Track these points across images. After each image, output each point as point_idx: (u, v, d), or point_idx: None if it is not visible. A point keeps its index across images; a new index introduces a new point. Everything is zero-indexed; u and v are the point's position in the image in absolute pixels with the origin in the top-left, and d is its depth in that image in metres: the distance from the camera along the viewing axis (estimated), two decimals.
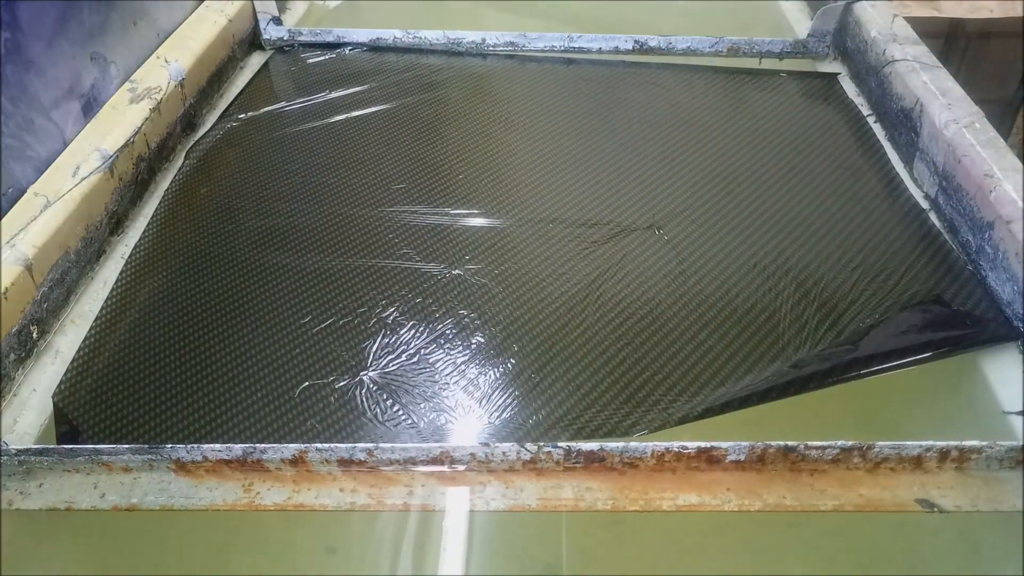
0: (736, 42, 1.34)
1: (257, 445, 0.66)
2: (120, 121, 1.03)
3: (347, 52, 1.38)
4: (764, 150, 1.12)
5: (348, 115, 1.21)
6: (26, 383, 0.80)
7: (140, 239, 0.98)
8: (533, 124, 1.20)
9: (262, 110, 1.23)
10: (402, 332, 0.84)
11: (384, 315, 0.86)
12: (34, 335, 0.83)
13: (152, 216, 1.02)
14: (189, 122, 1.18)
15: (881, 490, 0.65)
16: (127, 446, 0.67)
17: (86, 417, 0.76)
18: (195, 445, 0.66)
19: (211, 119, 1.22)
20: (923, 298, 0.85)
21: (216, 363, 0.81)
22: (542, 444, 0.66)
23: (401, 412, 0.75)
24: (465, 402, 0.77)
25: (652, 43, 1.35)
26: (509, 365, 0.80)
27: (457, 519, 0.67)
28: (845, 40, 1.32)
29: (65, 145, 0.97)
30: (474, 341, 0.83)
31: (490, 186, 1.06)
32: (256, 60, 1.38)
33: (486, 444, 0.66)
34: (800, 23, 1.48)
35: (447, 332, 0.84)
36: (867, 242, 0.94)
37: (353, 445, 0.66)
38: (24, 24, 0.90)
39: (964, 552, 0.68)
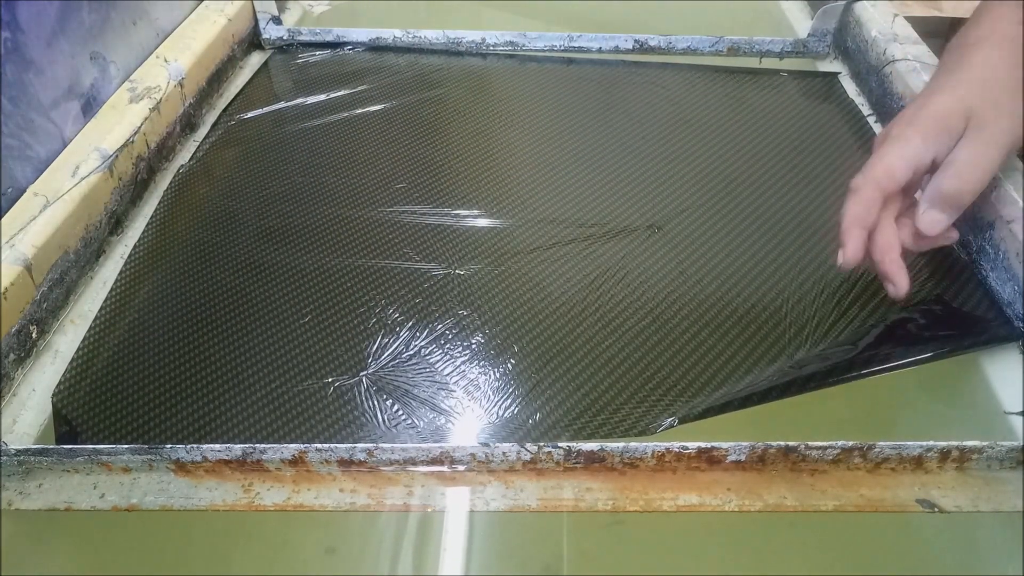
0: (736, 41, 1.34)
1: (257, 445, 0.66)
2: (120, 121, 1.03)
3: (347, 51, 1.38)
4: (764, 149, 1.12)
5: (348, 114, 1.21)
6: (25, 383, 0.80)
7: (139, 239, 0.98)
8: (533, 123, 1.20)
9: (262, 109, 1.22)
10: (402, 332, 0.84)
11: (384, 315, 0.86)
12: (33, 335, 0.83)
13: (151, 216, 1.02)
14: (188, 122, 1.18)
15: (882, 490, 0.65)
16: (126, 446, 0.66)
17: (85, 417, 0.76)
18: (195, 445, 0.66)
19: (211, 118, 1.22)
20: (923, 298, 0.85)
21: (216, 363, 0.81)
22: (542, 444, 0.66)
23: (401, 412, 0.75)
24: (465, 402, 0.76)
25: (652, 43, 1.35)
26: (509, 365, 0.80)
27: (457, 519, 0.66)
28: (845, 39, 1.32)
29: (64, 145, 0.97)
30: (474, 341, 0.83)
31: (490, 186, 1.06)
32: (256, 59, 1.38)
33: (486, 444, 0.66)
34: (800, 22, 1.48)
35: (447, 332, 0.84)
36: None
37: (353, 445, 0.66)
38: (24, 23, 0.90)
39: (964, 552, 0.68)
